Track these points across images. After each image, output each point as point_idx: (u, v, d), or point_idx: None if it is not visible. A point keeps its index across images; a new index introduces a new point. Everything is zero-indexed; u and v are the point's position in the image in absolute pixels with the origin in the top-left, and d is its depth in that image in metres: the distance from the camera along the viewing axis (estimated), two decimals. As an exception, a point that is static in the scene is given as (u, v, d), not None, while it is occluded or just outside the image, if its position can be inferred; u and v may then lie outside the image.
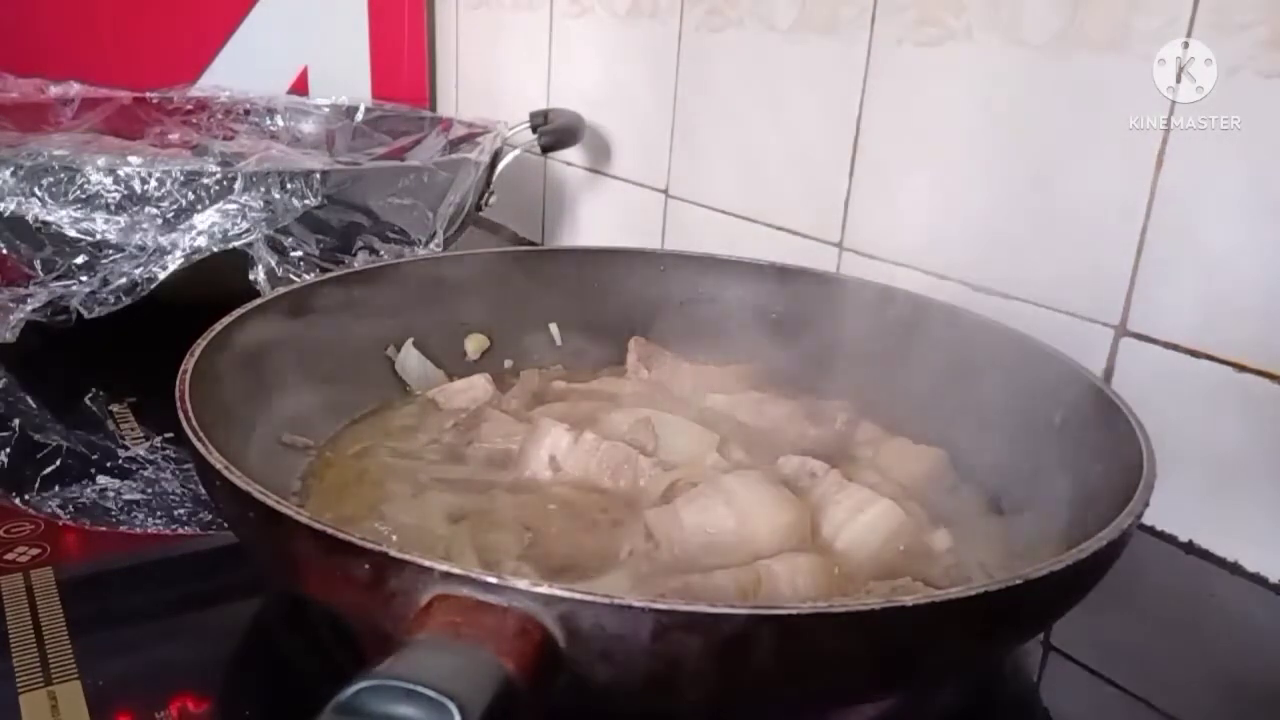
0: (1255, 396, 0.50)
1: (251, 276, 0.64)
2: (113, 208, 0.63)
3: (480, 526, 0.44)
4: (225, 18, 1.09)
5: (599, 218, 1.00)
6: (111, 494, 0.51)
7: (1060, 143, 0.57)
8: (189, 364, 0.42)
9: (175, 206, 0.64)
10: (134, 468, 0.54)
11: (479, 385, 0.58)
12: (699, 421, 0.52)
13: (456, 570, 0.28)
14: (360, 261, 0.66)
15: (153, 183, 0.63)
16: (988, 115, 0.61)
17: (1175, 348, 0.53)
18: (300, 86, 1.13)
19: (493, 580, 0.28)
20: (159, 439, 0.57)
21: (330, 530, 0.30)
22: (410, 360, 0.59)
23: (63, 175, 0.63)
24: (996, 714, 0.42)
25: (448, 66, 1.24)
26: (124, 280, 0.63)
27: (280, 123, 1.00)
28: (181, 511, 0.50)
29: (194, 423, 0.37)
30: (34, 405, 0.62)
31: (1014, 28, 0.58)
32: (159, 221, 0.64)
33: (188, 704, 0.37)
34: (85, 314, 0.63)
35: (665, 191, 0.89)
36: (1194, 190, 0.52)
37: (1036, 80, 0.58)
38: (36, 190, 0.62)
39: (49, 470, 0.53)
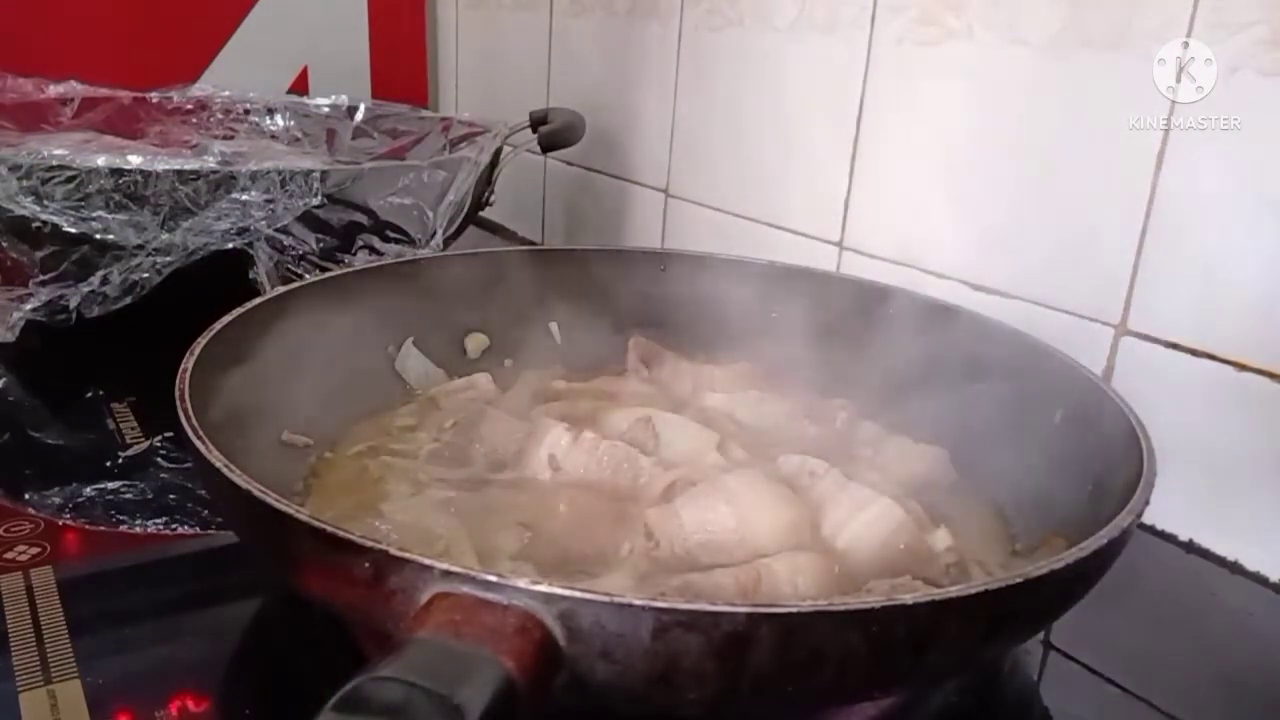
0: (1255, 396, 0.50)
1: (251, 276, 0.64)
2: (113, 207, 0.63)
3: (480, 525, 0.44)
4: (225, 18, 1.09)
5: (599, 218, 1.00)
6: (111, 494, 0.51)
7: (1060, 143, 0.57)
8: (189, 363, 0.42)
9: (175, 206, 0.64)
10: (134, 468, 0.54)
11: (479, 384, 0.58)
12: (699, 421, 0.52)
13: (456, 568, 0.28)
14: (360, 261, 0.66)
15: (152, 182, 0.63)
16: (988, 115, 0.61)
17: (1175, 347, 0.53)
18: (300, 86, 1.13)
19: (493, 578, 0.28)
20: (159, 439, 0.57)
21: (330, 529, 0.30)
22: (410, 360, 0.59)
23: (63, 175, 0.63)
24: (996, 714, 0.42)
25: (448, 66, 1.24)
26: (124, 280, 0.63)
27: (280, 123, 1.00)
28: (181, 511, 0.50)
29: (194, 422, 0.37)
30: (34, 405, 0.62)
31: (1014, 27, 0.59)
32: (159, 221, 0.64)
33: (187, 703, 0.37)
34: (85, 314, 0.63)
35: (665, 191, 0.89)
36: (1194, 190, 0.52)
37: (1036, 80, 0.58)
38: (36, 190, 0.62)
39: (49, 470, 0.53)
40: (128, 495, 0.51)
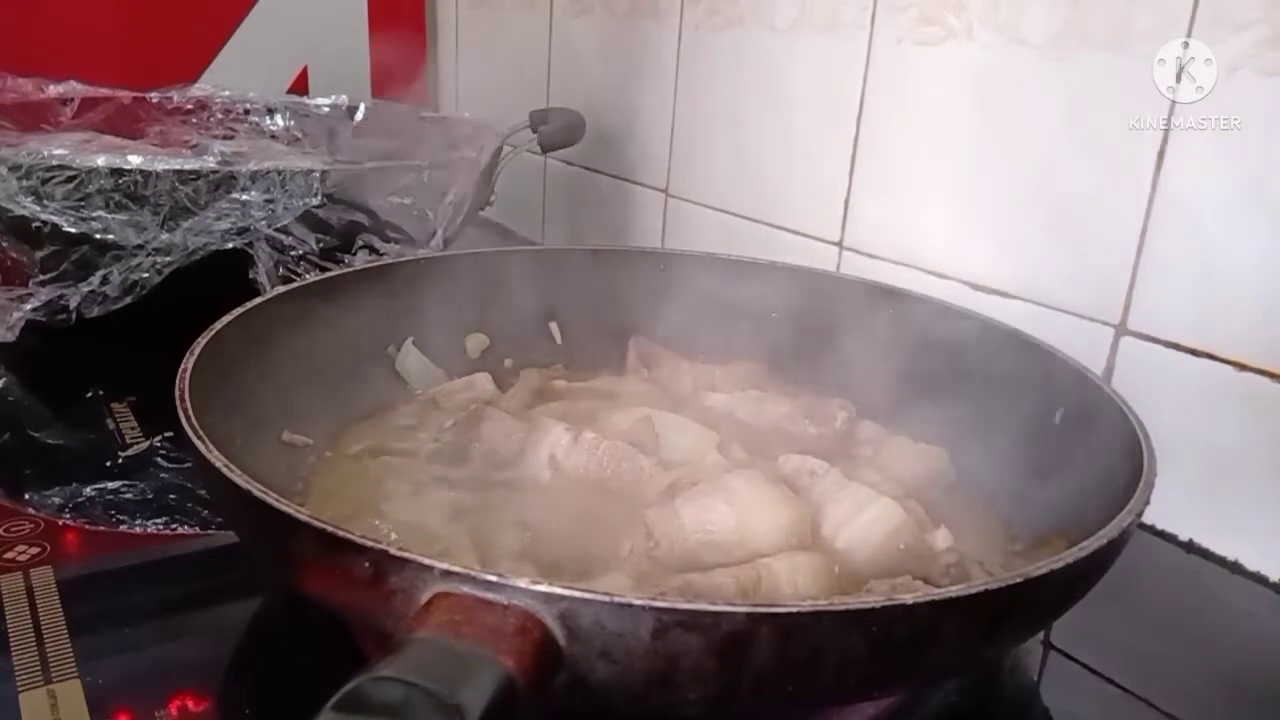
0: (1255, 396, 0.50)
1: (251, 276, 0.64)
2: (113, 207, 0.63)
3: (480, 525, 0.44)
4: (225, 18, 1.09)
5: (599, 218, 1.00)
6: (111, 493, 0.51)
7: (1060, 143, 0.57)
8: (189, 363, 0.42)
9: (175, 205, 0.64)
10: (134, 467, 0.54)
11: (479, 384, 0.58)
12: (699, 420, 0.52)
13: (457, 568, 0.28)
14: (360, 261, 0.66)
15: (152, 182, 0.63)
16: (988, 114, 0.61)
17: (1175, 347, 0.53)
18: (300, 86, 1.13)
19: (493, 578, 0.28)
20: (159, 438, 0.57)
21: (330, 528, 0.30)
22: (410, 360, 0.59)
23: (63, 175, 0.63)
24: (996, 714, 0.42)
25: (448, 66, 1.24)
26: (124, 279, 0.63)
27: (280, 122, 1.00)
28: (181, 511, 0.50)
29: (194, 422, 0.37)
30: (34, 405, 0.62)
31: (1014, 27, 0.59)
32: (159, 221, 0.64)
33: (187, 703, 0.37)
34: (85, 313, 0.63)
35: (665, 191, 0.89)
36: (1194, 190, 0.52)
37: (1036, 80, 0.58)
38: (36, 189, 0.62)
39: (49, 470, 0.53)
40: (128, 495, 0.51)
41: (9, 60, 0.88)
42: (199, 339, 0.44)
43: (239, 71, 1.07)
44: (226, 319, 0.47)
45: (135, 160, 0.64)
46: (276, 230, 0.65)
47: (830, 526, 0.43)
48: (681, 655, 0.28)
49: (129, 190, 0.63)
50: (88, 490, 0.51)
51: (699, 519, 0.42)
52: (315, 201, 0.66)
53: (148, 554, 0.47)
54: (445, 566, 0.28)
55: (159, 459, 0.55)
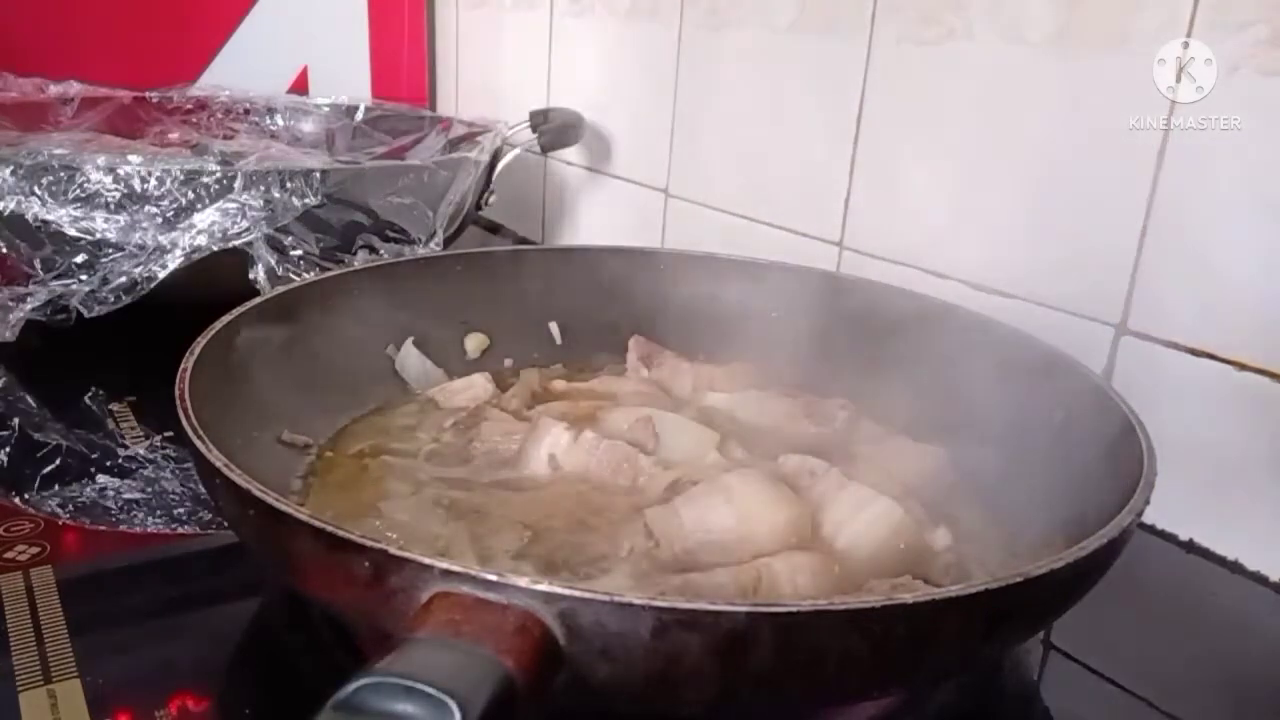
0: (1255, 395, 0.50)
1: (251, 275, 0.64)
2: (113, 207, 0.63)
3: (480, 525, 0.44)
4: (225, 18, 1.09)
5: (599, 217, 1.00)
6: (111, 493, 0.51)
7: (1060, 143, 0.57)
8: (189, 363, 0.42)
9: (175, 205, 0.64)
10: (134, 467, 0.54)
11: (479, 384, 0.58)
12: (699, 420, 0.52)
13: (457, 568, 0.28)
14: (360, 261, 0.66)
15: (152, 181, 0.63)
16: (988, 115, 0.61)
17: (1175, 346, 0.53)
18: (300, 86, 1.13)
19: (493, 578, 0.28)
20: (159, 438, 0.57)
21: (330, 528, 0.30)
22: (410, 359, 0.59)
23: (63, 174, 0.63)
24: (996, 714, 0.42)
25: (448, 66, 1.24)
26: (124, 279, 0.63)
27: (280, 122, 1.00)
28: (181, 511, 0.50)
29: (194, 421, 0.37)
30: (34, 404, 0.62)
31: (1014, 27, 0.59)
32: (159, 220, 0.64)
33: (187, 703, 0.37)
34: (85, 313, 0.63)
35: (665, 191, 0.89)
36: (1194, 190, 0.52)
37: (1036, 79, 0.58)
38: (36, 189, 0.62)
39: (49, 469, 0.53)
40: (128, 495, 0.51)
41: (9, 60, 0.88)
42: (199, 339, 0.44)
43: (239, 71, 1.07)
44: (226, 318, 0.47)
45: (135, 160, 0.64)
46: (276, 230, 0.65)
47: (830, 526, 0.43)
48: (681, 655, 0.28)
49: (129, 189, 0.63)
50: (88, 490, 0.51)
51: (699, 519, 0.42)
52: (315, 201, 0.66)
53: (148, 554, 0.47)
54: (445, 566, 0.28)
55: (159, 459, 0.55)
